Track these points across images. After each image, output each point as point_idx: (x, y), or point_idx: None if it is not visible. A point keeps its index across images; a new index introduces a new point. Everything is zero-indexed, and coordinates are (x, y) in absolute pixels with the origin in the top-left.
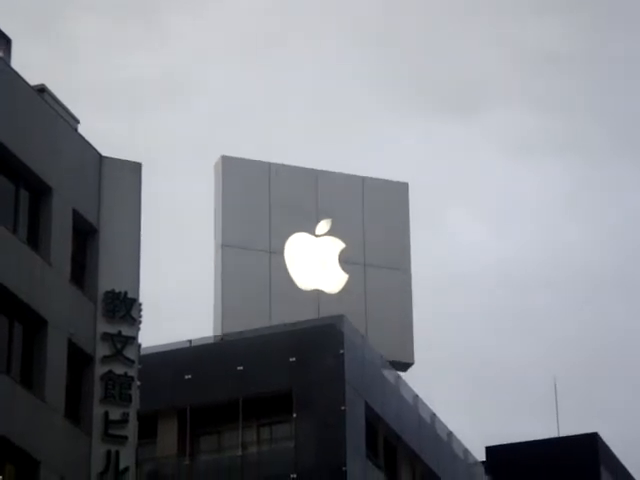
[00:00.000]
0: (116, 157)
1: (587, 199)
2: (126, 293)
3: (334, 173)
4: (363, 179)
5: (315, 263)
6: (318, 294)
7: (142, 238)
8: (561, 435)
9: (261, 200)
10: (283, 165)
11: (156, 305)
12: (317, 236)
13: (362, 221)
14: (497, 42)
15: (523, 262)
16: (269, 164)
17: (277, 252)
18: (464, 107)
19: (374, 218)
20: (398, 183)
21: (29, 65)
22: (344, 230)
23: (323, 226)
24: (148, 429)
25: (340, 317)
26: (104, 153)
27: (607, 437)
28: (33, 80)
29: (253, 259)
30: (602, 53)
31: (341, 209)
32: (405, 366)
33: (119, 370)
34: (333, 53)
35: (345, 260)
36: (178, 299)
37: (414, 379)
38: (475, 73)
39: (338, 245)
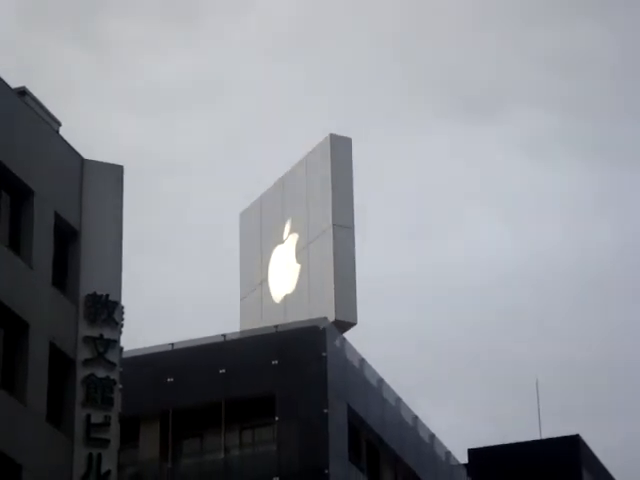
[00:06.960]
0: (98, 160)
1: (612, 200)
2: (108, 296)
3: (294, 169)
4: (307, 156)
5: (282, 270)
6: (285, 300)
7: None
8: (543, 437)
9: (256, 239)
10: (264, 193)
11: (141, 308)
12: (284, 241)
13: (306, 200)
14: (522, 43)
15: (545, 263)
16: (260, 199)
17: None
18: (487, 108)
19: (317, 189)
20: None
21: (62, 67)
22: (298, 220)
23: (286, 229)
24: (130, 432)
25: (323, 319)
26: (137, 156)
27: (589, 439)
28: (67, 81)
29: (253, 297)
30: (627, 54)
31: (299, 201)
32: (348, 325)
33: (101, 373)
34: (356, 55)
35: (298, 250)
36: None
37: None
38: (498, 74)
39: (295, 239)
